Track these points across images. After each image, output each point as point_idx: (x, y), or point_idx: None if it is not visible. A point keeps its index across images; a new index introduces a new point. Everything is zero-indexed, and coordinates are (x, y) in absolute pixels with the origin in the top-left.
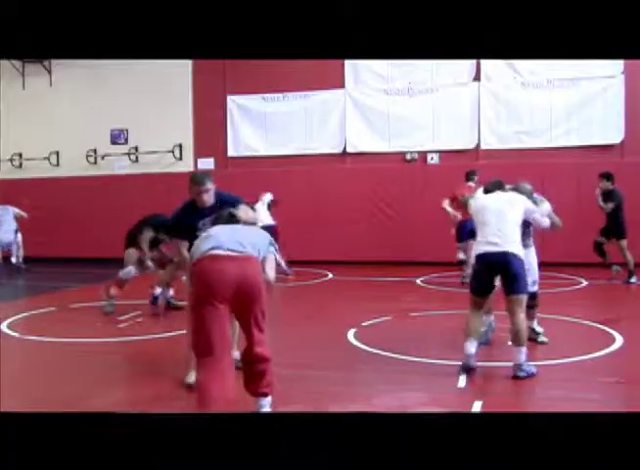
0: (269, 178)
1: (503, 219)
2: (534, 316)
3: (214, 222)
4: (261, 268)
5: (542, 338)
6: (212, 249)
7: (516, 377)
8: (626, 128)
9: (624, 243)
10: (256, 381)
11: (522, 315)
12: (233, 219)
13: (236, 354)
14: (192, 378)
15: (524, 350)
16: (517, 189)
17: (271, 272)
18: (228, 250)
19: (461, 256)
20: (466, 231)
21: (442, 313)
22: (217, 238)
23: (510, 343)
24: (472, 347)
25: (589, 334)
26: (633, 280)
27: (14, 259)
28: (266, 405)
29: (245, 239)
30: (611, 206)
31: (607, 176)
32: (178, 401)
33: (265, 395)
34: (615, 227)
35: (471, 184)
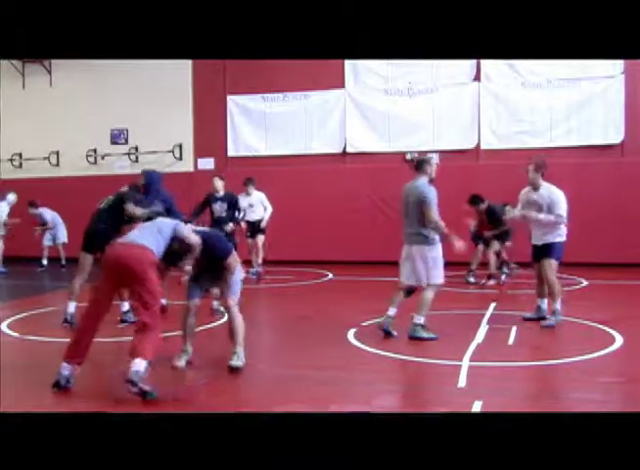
0: (269, 178)
1: None
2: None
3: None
4: (144, 251)
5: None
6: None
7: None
8: (626, 128)
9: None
10: (132, 343)
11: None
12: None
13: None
14: (182, 362)
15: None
16: None
17: (189, 238)
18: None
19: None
20: None
21: (442, 313)
22: (128, 234)
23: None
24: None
25: (589, 334)
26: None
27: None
28: (135, 367)
29: (145, 232)
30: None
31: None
32: (178, 402)
33: (133, 356)
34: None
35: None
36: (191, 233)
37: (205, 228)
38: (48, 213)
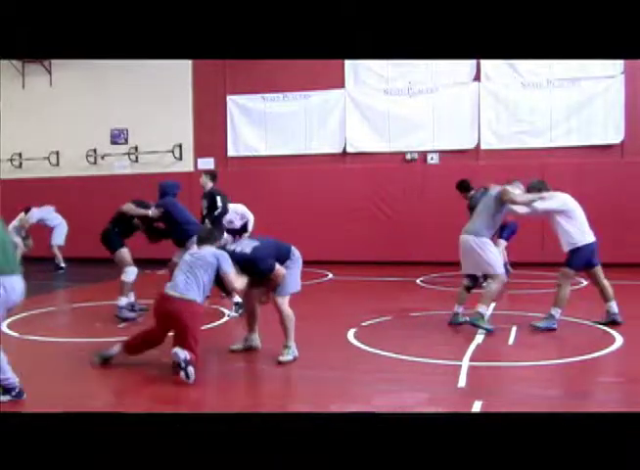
0: (269, 178)
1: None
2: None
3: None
4: (192, 305)
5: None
6: (168, 288)
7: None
8: (626, 128)
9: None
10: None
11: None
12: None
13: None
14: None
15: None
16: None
17: (232, 284)
18: (174, 291)
19: None
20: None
21: (442, 313)
22: (176, 278)
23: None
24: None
25: (589, 334)
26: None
27: None
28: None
29: (191, 280)
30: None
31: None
32: (178, 402)
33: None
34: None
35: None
36: (234, 279)
37: (255, 243)
38: (35, 216)
